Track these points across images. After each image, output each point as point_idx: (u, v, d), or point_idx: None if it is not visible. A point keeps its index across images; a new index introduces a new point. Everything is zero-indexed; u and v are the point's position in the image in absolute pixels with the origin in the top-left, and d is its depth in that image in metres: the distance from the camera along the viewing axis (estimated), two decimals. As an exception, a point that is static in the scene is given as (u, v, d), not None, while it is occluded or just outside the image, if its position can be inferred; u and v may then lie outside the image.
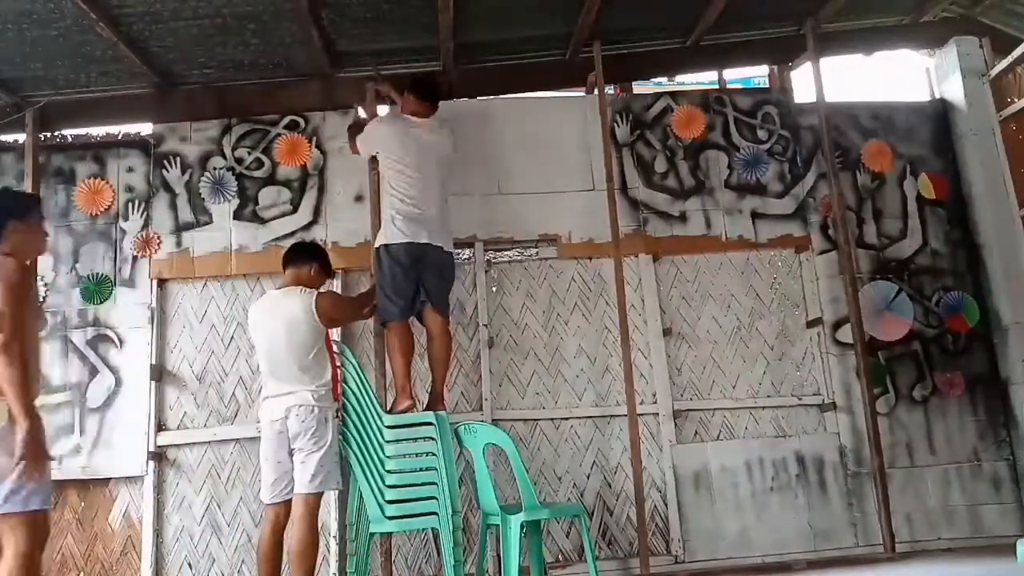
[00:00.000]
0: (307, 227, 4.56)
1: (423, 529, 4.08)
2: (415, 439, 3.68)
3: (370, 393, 3.71)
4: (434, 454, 3.60)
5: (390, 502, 3.55)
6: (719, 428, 4.52)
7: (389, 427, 3.64)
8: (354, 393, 3.69)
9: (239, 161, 4.65)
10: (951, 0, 5.04)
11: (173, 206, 4.58)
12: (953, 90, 5.06)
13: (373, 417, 3.65)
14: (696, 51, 4.98)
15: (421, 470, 3.63)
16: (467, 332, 4.52)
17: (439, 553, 4.03)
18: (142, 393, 4.34)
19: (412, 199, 3.90)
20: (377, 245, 3.98)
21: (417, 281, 3.89)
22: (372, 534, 3.67)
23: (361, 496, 3.64)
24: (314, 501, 3.42)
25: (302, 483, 3.41)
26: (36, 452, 2.55)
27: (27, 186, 4.44)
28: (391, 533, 3.96)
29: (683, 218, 4.75)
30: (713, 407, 4.53)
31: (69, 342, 4.39)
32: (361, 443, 3.62)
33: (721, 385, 4.58)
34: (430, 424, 3.64)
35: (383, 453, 3.60)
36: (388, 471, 3.58)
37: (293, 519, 3.42)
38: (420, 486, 3.59)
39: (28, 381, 2.58)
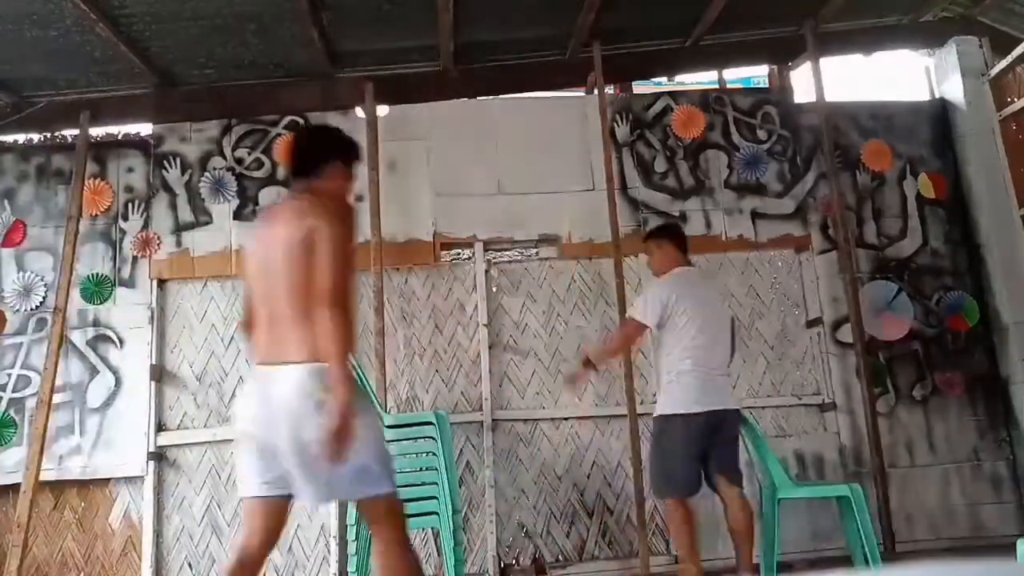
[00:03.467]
0: (307, 227, 4.56)
1: (424, 528, 4.08)
2: (416, 439, 3.68)
3: (370, 393, 3.71)
4: (435, 454, 3.60)
5: (391, 502, 3.55)
6: (719, 428, 4.52)
7: (390, 427, 3.64)
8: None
9: (239, 161, 4.65)
10: (950, 0, 5.04)
11: (173, 206, 4.58)
12: (953, 90, 5.06)
13: (373, 417, 3.65)
14: (696, 51, 4.99)
15: (422, 470, 3.64)
16: (467, 332, 4.52)
17: (440, 552, 4.04)
18: (142, 393, 4.35)
19: None
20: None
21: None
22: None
23: (361, 496, 3.64)
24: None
25: None
26: (348, 428, 2.02)
27: (75, 186, 4.40)
28: (391, 533, 3.96)
29: (683, 218, 4.75)
30: (713, 407, 4.53)
31: (69, 342, 4.38)
32: (361, 443, 3.61)
33: (721, 385, 4.57)
34: (430, 424, 3.64)
35: (383, 453, 3.60)
36: (389, 471, 3.58)
37: None
38: (421, 486, 3.59)
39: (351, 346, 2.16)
